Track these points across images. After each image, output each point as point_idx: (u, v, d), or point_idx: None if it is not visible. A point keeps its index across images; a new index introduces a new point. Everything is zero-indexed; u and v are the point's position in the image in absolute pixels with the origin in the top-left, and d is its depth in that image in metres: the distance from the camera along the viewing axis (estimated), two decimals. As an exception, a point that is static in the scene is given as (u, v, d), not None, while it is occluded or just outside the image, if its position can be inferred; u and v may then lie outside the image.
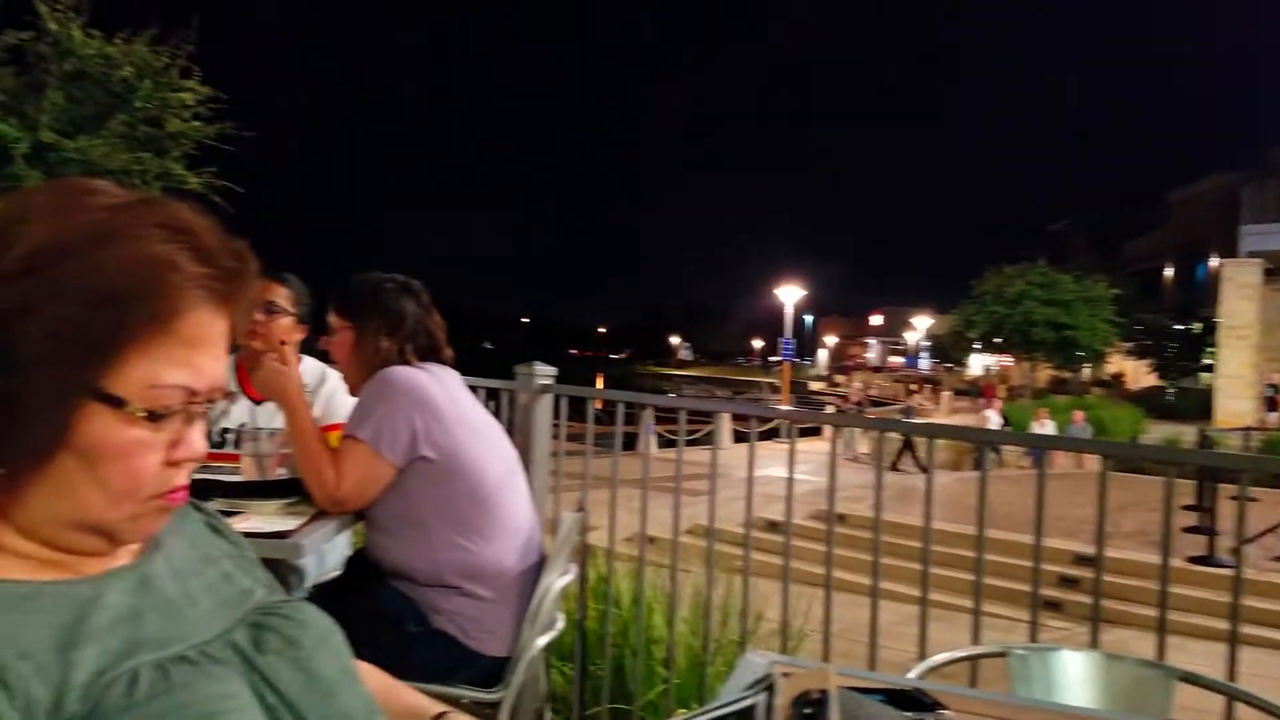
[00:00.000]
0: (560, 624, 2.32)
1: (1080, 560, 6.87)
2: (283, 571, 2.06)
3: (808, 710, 0.85)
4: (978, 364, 50.41)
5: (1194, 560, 6.93)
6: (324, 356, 2.48)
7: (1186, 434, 17.52)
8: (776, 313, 30.79)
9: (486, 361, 8.53)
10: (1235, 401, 23.31)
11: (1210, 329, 27.81)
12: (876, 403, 31.67)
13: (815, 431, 15.39)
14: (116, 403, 0.68)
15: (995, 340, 32.49)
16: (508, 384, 3.03)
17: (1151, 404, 27.21)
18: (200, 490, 0.80)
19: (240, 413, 2.57)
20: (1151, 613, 2.26)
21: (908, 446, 14.77)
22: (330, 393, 2.66)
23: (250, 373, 2.22)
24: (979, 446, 2.55)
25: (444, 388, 2.16)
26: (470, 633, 2.04)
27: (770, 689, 0.87)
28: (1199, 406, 24.82)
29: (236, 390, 2.57)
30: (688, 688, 2.84)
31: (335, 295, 2.26)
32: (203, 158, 9.20)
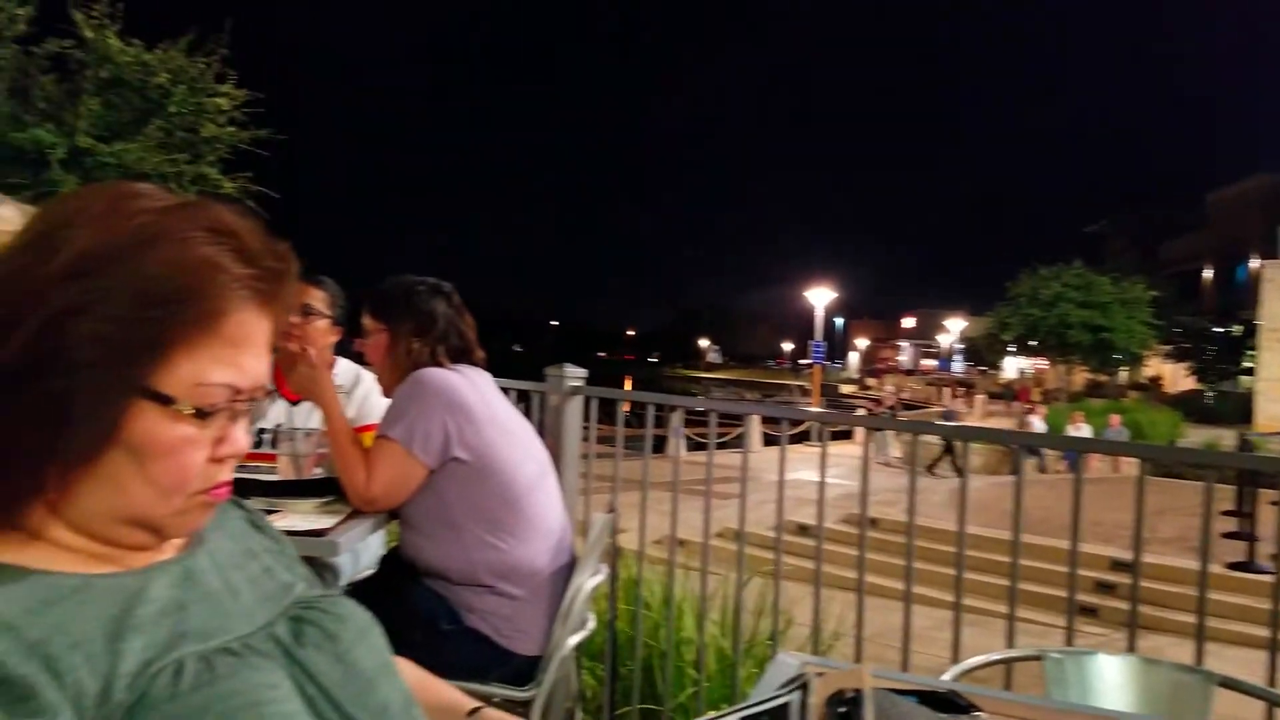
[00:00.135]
0: (591, 624, 2.33)
1: (1117, 566, 6.77)
2: (318, 569, 2.09)
3: (842, 709, 0.84)
4: (1012, 367, 49.82)
5: (1233, 566, 6.80)
6: (359, 358, 2.51)
7: (1226, 438, 17.16)
8: (807, 315, 30.58)
9: (516, 364, 8.57)
10: (1276, 405, 22.86)
11: (1250, 331, 27.29)
12: (909, 406, 31.39)
13: (846, 435, 15.19)
14: (165, 401, 0.69)
15: (1030, 343, 32.05)
16: (538, 385, 3.04)
17: (1190, 408, 26.76)
18: (239, 489, 0.81)
19: (277, 413, 2.60)
20: (1189, 619, 2.22)
21: (948, 451, 14.62)
22: (365, 394, 2.69)
23: (286, 374, 2.25)
24: (1015, 450, 2.52)
25: (476, 389, 2.17)
26: (503, 631, 2.06)
27: (804, 688, 0.87)
28: (1238, 410, 24.38)
29: (273, 390, 2.61)
30: (718, 690, 2.84)
31: (369, 298, 2.29)
32: (237, 162, 9.33)
